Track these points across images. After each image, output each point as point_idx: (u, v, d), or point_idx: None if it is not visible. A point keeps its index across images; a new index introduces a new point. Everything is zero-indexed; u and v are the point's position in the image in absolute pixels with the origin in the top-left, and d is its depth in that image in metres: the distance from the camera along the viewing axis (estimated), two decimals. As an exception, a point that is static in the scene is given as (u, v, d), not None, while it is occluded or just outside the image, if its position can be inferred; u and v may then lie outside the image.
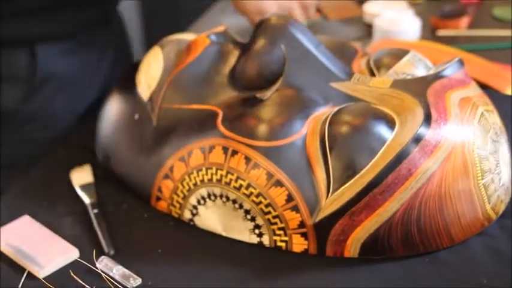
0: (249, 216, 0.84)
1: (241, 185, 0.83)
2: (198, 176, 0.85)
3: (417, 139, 0.80)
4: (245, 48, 0.91)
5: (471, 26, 1.44)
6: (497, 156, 0.86)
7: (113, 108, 0.99)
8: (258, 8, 1.07)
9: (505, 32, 1.40)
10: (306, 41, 0.89)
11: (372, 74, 0.91)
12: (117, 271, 0.82)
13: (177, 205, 0.89)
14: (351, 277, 0.81)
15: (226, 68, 0.92)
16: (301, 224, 0.82)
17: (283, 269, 0.82)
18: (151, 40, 1.11)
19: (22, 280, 0.82)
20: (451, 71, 0.88)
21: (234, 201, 0.84)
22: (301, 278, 0.81)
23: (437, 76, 0.86)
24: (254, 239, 0.85)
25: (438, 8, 1.47)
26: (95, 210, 0.90)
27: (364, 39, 1.42)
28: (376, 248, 0.81)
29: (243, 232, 0.85)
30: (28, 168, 1.03)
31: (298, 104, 0.85)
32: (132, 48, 1.32)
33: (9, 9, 1.02)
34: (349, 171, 0.80)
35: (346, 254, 0.82)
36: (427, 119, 0.81)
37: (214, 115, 0.86)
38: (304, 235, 0.82)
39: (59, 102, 1.14)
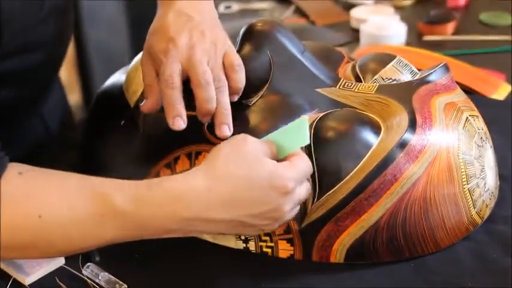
0: (235, 222, 0.84)
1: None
2: (184, 182, 0.85)
3: (402, 144, 0.80)
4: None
5: (457, 31, 1.44)
6: (482, 161, 0.87)
7: (99, 114, 0.99)
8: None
9: (491, 37, 1.41)
10: (292, 46, 0.89)
11: (358, 79, 0.91)
12: (102, 278, 0.81)
13: (164, 211, 0.88)
14: (336, 282, 0.81)
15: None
16: (287, 230, 0.82)
17: (269, 275, 0.82)
18: (138, 44, 1.10)
19: (7, 287, 0.81)
20: (437, 76, 0.88)
21: (220, 207, 0.83)
22: (287, 283, 0.81)
23: (422, 81, 0.87)
24: (240, 245, 0.85)
25: (425, 14, 1.48)
26: (81, 217, 0.90)
27: (351, 45, 1.42)
28: (362, 253, 0.81)
29: (229, 238, 0.85)
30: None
31: (284, 110, 0.86)
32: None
33: None
34: (335, 176, 0.80)
35: (332, 260, 0.82)
36: (412, 125, 0.81)
37: (200, 121, 0.86)
38: (290, 241, 0.82)
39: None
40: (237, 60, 0.84)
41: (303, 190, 0.76)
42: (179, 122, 0.80)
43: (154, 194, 0.72)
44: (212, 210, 0.73)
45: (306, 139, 0.75)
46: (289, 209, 0.75)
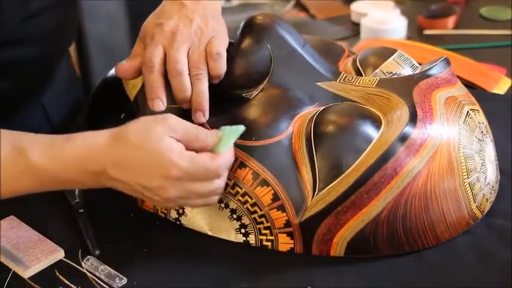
0: (235, 216, 0.84)
1: (227, 185, 0.82)
2: (184, 175, 0.85)
3: (403, 138, 0.80)
4: (232, 48, 0.91)
5: (458, 25, 1.44)
6: (483, 155, 0.87)
7: (99, 107, 0.99)
8: None
9: (492, 31, 1.41)
10: (293, 40, 0.89)
11: (358, 73, 0.91)
12: (102, 271, 0.81)
13: (163, 205, 0.88)
14: (337, 276, 0.81)
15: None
16: (287, 223, 0.82)
17: (269, 268, 0.82)
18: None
19: (7, 280, 0.81)
20: (437, 70, 0.88)
21: (220, 201, 0.83)
22: (287, 277, 0.81)
23: (423, 75, 0.87)
24: (240, 239, 0.85)
25: (425, 8, 1.48)
26: (81, 210, 0.90)
27: (352, 38, 1.42)
28: (362, 247, 0.81)
29: (229, 231, 0.85)
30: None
31: (284, 104, 0.85)
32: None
33: None
34: (335, 170, 0.80)
35: (332, 253, 0.82)
36: (413, 118, 0.81)
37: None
38: (290, 234, 0.82)
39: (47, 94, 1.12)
40: (217, 48, 0.85)
41: (200, 187, 0.76)
42: (158, 103, 0.83)
43: (66, 149, 0.77)
44: (110, 168, 0.76)
45: (227, 147, 0.78)
46: (176, 196, 0.76)
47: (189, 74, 0.84)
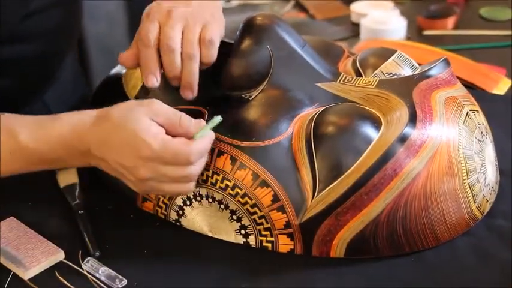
0: (235, 217, 0.84)
1: (227, 186, 0.82)
2: (184, 176, 0.85)
3: (403, 139, 0.80)
4: (231, 49, 0.91)
5: (458, 25, 1.44)
6: (483, 156, 0.87)
7: (100, 107, 0.99)
8: None
9: (491, 32, 1.41)
10: (292, 41, 0.89)
11: (358, 74, 0.91)
12: (102, 272, 0.81)
13: (163, 206, 0.88)
14: (336, 277, 0.81)
15: (213, 69, 0.92)
16: (287, 225, 0.82)
17: (269, 270, 0.82)
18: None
19: (7, 281, 0.81)
20: (437, 70, 0.88)
21: (220, 202, 0.84)
22: (287, 278, 0.81)
23: (423, 76, 0.87)
24: (240, 240, 0.85)
25: (425, 8, 1.48)
26: (81, 211, 0.90)
27: (351, 39, 1.42)
28: (362, 248, 0.81)
29: (229, 233, 0.85)
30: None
31: (284, 105, 0.85)
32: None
33: None
34: (335, 171, 0.80)
35: (332, 254, 0.82)
36: (413, 119, 0.81)
37: (200, 115, 0.86)
38: (290, 235, 0.82)
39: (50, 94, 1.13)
40: (210, 35, 0.85)
41: (171, 170, 0.77)
42: (152, 79, 0.84)
43: (54, 128, 0.79)
44: (94, 146, 0.79)
45: (203, 135, 0.78)
46: (148, 177, 0.77)
47: (181, 52, 0.85)
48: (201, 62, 0.86)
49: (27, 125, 0.81)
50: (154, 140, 0.76)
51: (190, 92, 0.86)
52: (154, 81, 0.84)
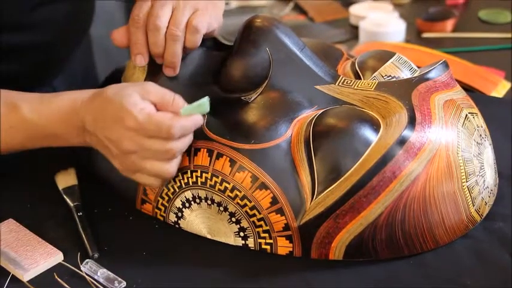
0: (234, 219, 0.84)
1: (226, 188, 0.82)
2: (183, 178, 0.85)
3: (402, 141, 0.80)
4: (230, 51, 0.91)
5: (457, 28, 1.44)
6: (482, 159, 0.87)
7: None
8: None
9: (490, 35, 1.41)
10: (291, 43, 0.89)
11: (357, 76, 0.91)
12: (101, 274, 0.81)
13: (162, 208, 0.89)
14: (335, 280, 0.81)
15: (212, 71, 0.92)
16: (286, 227, 0.82)
17: (268, 272, 0.82)
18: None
19: (6, 283, 0.81)
20: (436, 73, 0.88)
21: (219, 204, 0.84)
22: (286, 280, 0.81)
23: (422, 78, 0.87)
24: (239, 242, 0.85)
25: (424, 11, 1.48)
26: (80, 213, 0.90)
27: (350, 41, 1.42)
28: (360, 251, 0.81)
29: (228, 235, 0.85)
30: (12, 171, 1.02)
31: (283, 107, 0.86)
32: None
33: None
34: (334, 173, 0.80)
35: (331, 257, 0.82)
36: (412, 122, 0.81)
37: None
38: (289, 238, 0.82)
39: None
40: (198, 23, 0.86)
41: (153, 143, 0.78)
42: (140, 59, 0.87)
43: (53, 103, 0.82)
44: (88, 122, 0.80)
45: (190, 112, 0.79)
46: (131, 150, 0.78)
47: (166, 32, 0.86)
48: (184, 46, 0.87)
49: (29, 100, 0.83)
50: (139, 112, 0.77)
51: (172, 71, 0.88)
52: (142, 60, 0.87)
